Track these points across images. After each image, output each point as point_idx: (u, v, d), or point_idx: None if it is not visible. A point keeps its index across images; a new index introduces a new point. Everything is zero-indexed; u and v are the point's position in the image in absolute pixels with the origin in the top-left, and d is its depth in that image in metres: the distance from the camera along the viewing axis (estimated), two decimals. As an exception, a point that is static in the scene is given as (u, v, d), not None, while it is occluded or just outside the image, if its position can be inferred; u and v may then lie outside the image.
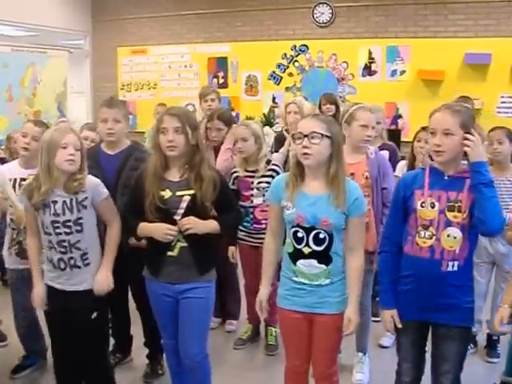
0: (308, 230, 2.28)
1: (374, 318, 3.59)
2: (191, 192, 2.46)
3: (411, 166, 3.57)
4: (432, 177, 2.22)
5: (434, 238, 2.19)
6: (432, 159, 2.27)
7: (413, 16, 6.39)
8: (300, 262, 2.31)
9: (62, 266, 2.51)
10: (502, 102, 6.03)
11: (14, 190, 2.97)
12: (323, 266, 2.29)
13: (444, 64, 6.18)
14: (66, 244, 2.48)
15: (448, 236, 2.18)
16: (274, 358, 3.47)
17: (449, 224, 2.17)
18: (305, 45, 6.92)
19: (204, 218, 2.49)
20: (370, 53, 6.60)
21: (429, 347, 2.36)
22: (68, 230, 2.47)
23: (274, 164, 3.46)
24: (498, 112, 5.98)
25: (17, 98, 6.96)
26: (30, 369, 3.25)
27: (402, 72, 6.47)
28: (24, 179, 2.89)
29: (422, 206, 2.21)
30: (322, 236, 2.28)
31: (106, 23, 7.98)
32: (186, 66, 7.61)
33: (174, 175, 2.51)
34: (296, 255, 2.32)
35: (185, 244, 2.49)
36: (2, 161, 4.35)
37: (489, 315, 3.44)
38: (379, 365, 3.29)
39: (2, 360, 3.39)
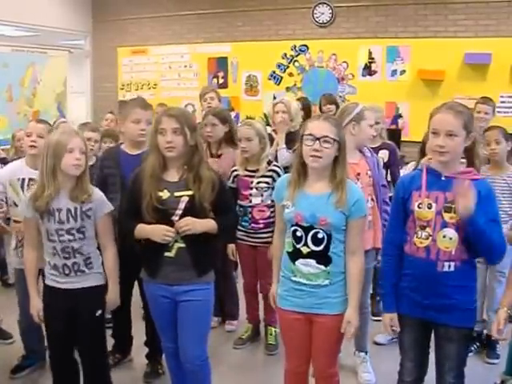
0: (307, 230, 2.29)
1: (373, 318, 3.60)
2: (189, 193, 2.45)
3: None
4: (429, 178, 2.23)
5: (430, 238, 2.20)
6: None
7: (413, 16, 6.39)
8: (299, 262, 2.32)
9: (67, 271, 2.52)
10: (502, 102, 6.02)
11: (23, 190, 2.96)
12: (322, 267, 2.30)
13: (444, 64, 6.18)
14: (69, 250, 2.49)
15: (444, 237, 2.18)
16: (274, 358, 3.47)
17: (445, 225, 2.18)
18: (305, 45, 6.92)
19: (202, 219, 2.47)
20: (370, 53, 6.59)
21: (432, 348, 2.35)
22: (71, 237, 2.48)
23: (275, 165, 3.46)
24: (498, 112, 5.96)
25: (17, 98, 6.96)
26: (30, 369, 3.26)
27: (402, 72, 6.47)
28: (32, 179, 2.89)
29: (419, 207, 2.21)
30: (320, 236, 2.28)
31: (106, 23, 7.98)
32: (186, 66, 7.61)
33: (172, 176, 2.50)
34: (295, 255, 2.33)
35: (182, 245, 2.47)
36: (3, 161, 4.36)
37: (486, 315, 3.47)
38: (379, 363, 3.30)
39: (1, 360, 3.39)
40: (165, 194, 2.46)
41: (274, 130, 4.20)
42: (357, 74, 6.69)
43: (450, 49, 6.12)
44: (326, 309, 2.31)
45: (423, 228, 2.21)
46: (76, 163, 2.44)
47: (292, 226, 2.32)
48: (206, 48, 7.42)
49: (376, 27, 6.56)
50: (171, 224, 2.44)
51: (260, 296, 3.64)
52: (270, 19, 7.06)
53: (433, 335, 2.34)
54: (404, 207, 2.29)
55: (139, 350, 3.33)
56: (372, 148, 3.57)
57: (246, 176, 3.43)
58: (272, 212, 3.29)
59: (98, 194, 2.57)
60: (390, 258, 2.36)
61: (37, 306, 2.59)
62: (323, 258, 2.30)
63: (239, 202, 3.41)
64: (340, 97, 6.54)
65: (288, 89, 7.00)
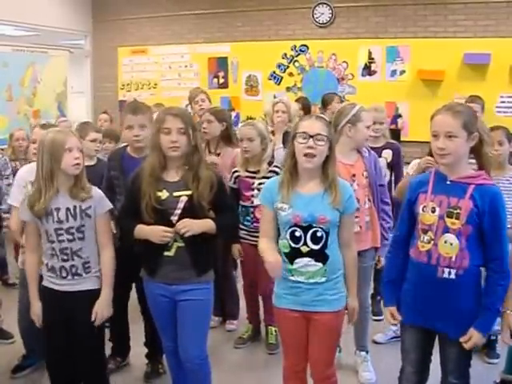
0: (305, 229, 2.30)
1: (374, 318, 3.61)
2: (188, 192, 2.44)
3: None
4: (436, 181, 2.21)
5: (432, 242, 2.18)
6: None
7: (412, 16, 6.39)
8: (297, 261, 2.33)
9: (64, 274, 2.49)
10: (502, 102, 6.03)
11: None
12: (320, 264, 2.31)
13: (444, 64, 6.18)
14: (68, 251, 2.47)
15: (445, 242, 2.15)
16: (274, 357, 3.47)
17: (447, 230, 2.15)
18: (305, 45, 6.92)
19: (201, 218, 2.47)
20: (370, 53, 6.59)
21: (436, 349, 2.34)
22: (71, 237, 2.46)
23: (275, 165, 3.45)
24: (498, 112, 5.98)
25: (17, 98, 6.95)
26: (30, 368, 3.27)
27: (402, 72, 6.47)
28: None
29: (423, 211, 2.20)
30: (319, 234, 2.30)
31: (106, 23, 7.98)
32: (186, 66, 7.61)
33: (172, 176, 2.50)
34: (293, 254, 2.34)
35: (182, 244, 2.47)
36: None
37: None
38: (379, 362, 3.30)
39: (2, 360, 3.40)
40: (164, 194, 2.46)
41: (272, 131, 4.20)
42: (356, 74, 6.70)
43: (449, 49, 6.13)
44: (323, 306, 2.33)
45: (425, 232, 2.20)
46: (76, 163, 2.44)
47: (290, 227, 2.33)
48: (206, 48, 7.42)
49: (376, 27, 6.57)
50: (170, 224, 2.43)
51: (260, 296, 3.64)
52: (269, 19, 7.06)
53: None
54: (411, 209, 2.28)
55: (139, 350, 3.32)
56: (376, 148, 3.58)
57: (247, 177, 3.43)
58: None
59: (97, 192, 2.56)
60: (391, 256, 2.40)
61: (37, 311, 2.57)
62: (321, 255, 2.32)
63: (241, 202, 3.42)
64: (340, 97, 6.53)
65: (288, 89, 7.00)
